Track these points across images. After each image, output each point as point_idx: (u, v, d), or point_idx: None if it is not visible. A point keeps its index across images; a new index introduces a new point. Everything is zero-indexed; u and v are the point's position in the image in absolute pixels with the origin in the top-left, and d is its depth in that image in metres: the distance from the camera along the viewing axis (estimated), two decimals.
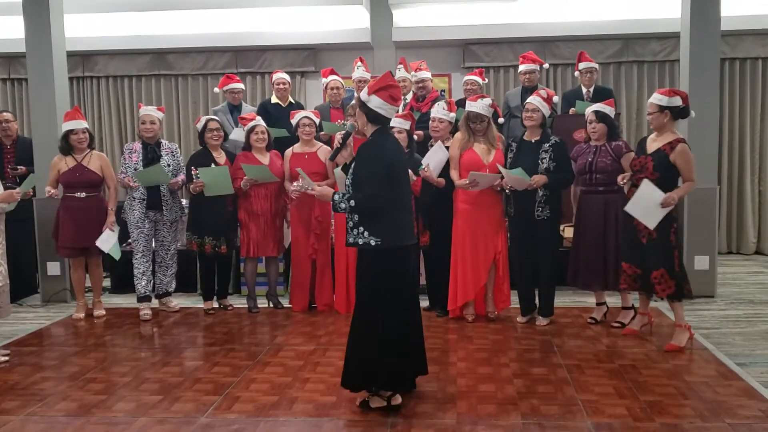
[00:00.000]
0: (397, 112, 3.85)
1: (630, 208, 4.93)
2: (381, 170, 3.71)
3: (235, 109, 7.08)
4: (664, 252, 4.89)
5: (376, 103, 3.80)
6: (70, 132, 5.88)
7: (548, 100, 5.39)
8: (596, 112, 5.37)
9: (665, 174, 4.88)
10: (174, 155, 6.05)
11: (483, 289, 5.62)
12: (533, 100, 5.38)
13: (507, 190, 5.43)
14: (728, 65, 8.45)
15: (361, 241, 3.75)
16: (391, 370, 3.80)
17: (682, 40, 6.60)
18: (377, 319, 3.79)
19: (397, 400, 3.85)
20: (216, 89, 7.29)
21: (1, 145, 7.19)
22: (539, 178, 5.23)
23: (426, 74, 6.86)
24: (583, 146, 5.51)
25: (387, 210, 3.75)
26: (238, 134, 6.47)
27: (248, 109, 7.07)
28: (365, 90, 3.89)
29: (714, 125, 6.54)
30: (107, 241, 5.84)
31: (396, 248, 3.78)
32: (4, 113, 7.25)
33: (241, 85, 7.16)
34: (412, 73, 6.93)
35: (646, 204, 4.85)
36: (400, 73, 6.93)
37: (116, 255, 5.93)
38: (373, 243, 3.74)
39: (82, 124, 5.93)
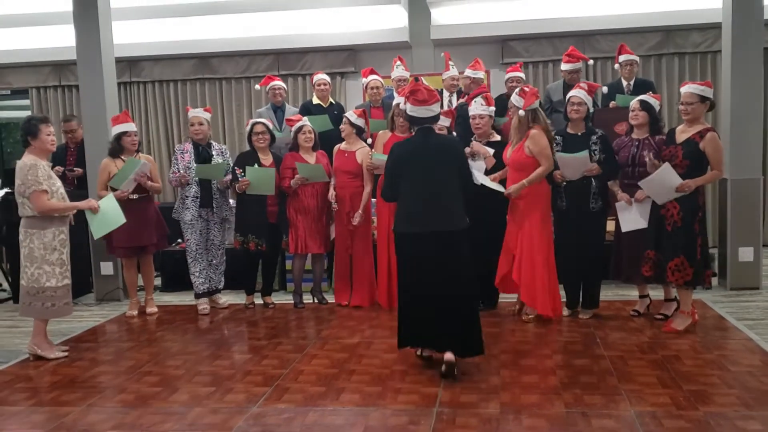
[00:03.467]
0: (430, 110, 4.42)
1: (644, 183, 5.07)
2: (388, 168, 4.51)
3: (278, 109, 7.21)
4: (687, 240, 4.96)
5: (408, 108, 4.49)
6: (123, 134, 6.07)
7: (590, 92, 5.40)
8: (641, 101, 5.40)
9: (694, 162, 4.96)
10: (224, 155, 6.25)
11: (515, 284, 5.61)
12: (578, 93, 5.41)
13: (561, 183, 5.42)
14: None
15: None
16: (407, 330, 4.48)
17: (723, 30, 6.55)
18: (401, 290, 4.55)
19: (427, 352, 4.54)
20: (257, 86, 7.41)
21: (65, 148, 7.50)
22: (596, 167, 5.28)
23: (475, 73, 6.94)
24: (625, 139, 5.52)
25: (398, 201, 4.48)
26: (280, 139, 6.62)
27: (291, 110, 7.20)
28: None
29: (758, 116, 6.49)
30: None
31: (400, 233, 4.42)
32: (71, 122, 7.54)
33: (282, 84, 7.27)
34: (468, 71, 7.01)
35: (662, 185, 4.97)
36: (451, 71, 6.97)
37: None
38: (393, 227, 4.51)
39: (134, 126, 6.15)
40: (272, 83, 7.18)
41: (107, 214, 5.28)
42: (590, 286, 5.59)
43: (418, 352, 4.65)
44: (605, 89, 6.73)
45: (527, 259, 5.40)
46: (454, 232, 4.30)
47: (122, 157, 6.10)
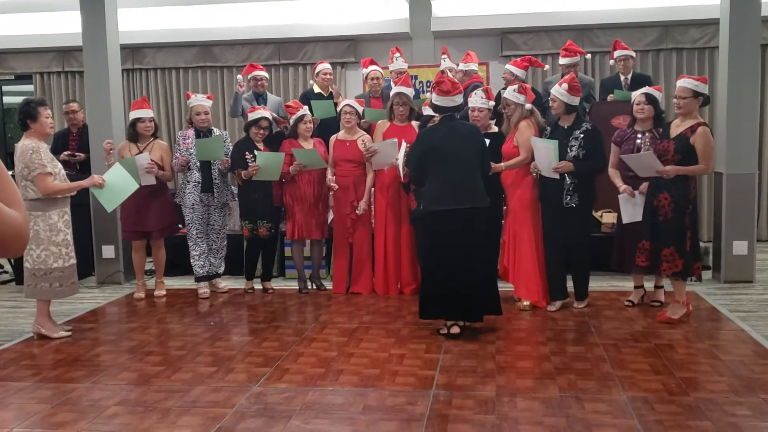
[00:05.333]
0: (453, 100, 4.94)
1: (627, 158, 5.30)
2: (415, 152, 4.98)
3: (259, 97, 7.20)
4: (677, 231, 5.04)
5: (433, 98, 4.99)
6: (137, 120, 6.13)
7: (572, 89, 5.34)
8: (647, 95, 5.46)
9: (685, 157, 5.01)
10: (225, 142, 6.30)
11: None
12: (553, 90, 5.47)
13: (534, 174, 5.49)
14: None
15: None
16: (432, 303, 4.90)
17: (721, 26, 6.62)
18: (424, 264, 5.07)
19: (455, 330, 4.87)
20: (239, 76, 7.43)
21: (67, 133, 7.56)
22: (565, 165, 5.28)
23: (472, 66, 6.98)
24: (627, 131, 5.58)
25: (426, 182, 4.90)
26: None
27: (273, 99, 7.26)
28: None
29: (754, 111, 6.59)
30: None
31: (428, 211, 4.84)
32: (72, 104, 7.60)
33: (264, 73, 7.27)
34: (460, 65, 7.06)
35: (644, 165, 5.13)
36: (445, 63, 6.99)
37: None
38: (422, 206, 4.93)
39: (149, 113, 6.19)
40: (254, 72, 7.18)
41: (116, 186, 5.38)
42: (577, 278, 5.63)
43: (443, 331, 4.91)
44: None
45: (512, 246, 5.62)
46: (480, 208, 4.89)
47: (138, 143, 6.16)
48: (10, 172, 5.85)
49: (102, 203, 5.49)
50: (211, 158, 6.14)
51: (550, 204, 5.49)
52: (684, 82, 5.08)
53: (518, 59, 6.88)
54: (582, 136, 5.35)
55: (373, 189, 6.27)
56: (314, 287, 6.48)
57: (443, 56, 7.13)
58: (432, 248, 4.89)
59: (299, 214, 6.20)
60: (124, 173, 5.50)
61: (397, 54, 7.16)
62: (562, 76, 7.14)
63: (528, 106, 5.53)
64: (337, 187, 6.11)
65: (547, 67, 7.56)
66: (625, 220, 5.50)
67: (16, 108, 10.34)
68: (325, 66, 7.31)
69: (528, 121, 5.54)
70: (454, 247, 4.81)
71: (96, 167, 6.70)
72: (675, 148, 5.03)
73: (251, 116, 6.24)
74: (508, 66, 6.78)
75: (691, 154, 5.02)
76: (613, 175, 5.58)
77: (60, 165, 5.13)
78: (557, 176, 5.32)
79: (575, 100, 5.38)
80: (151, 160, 6.00)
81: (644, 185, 5.34)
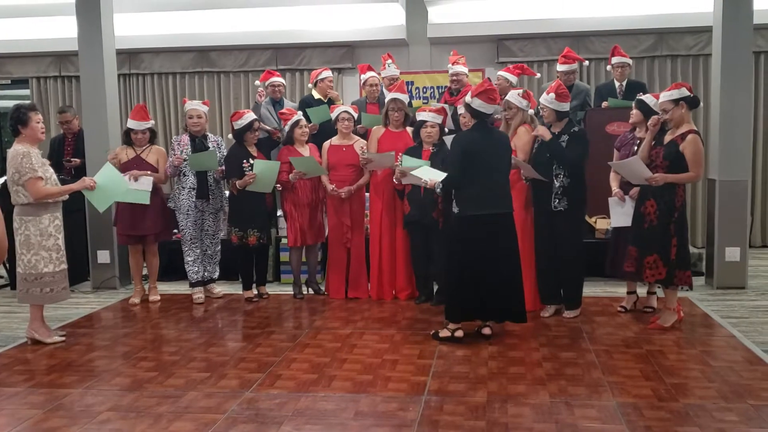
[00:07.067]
0: (495, 108, 4.94)
1: (615, 165, 5.42)
2: (456, 158, 4.84)
3: (276, 103, 7.29)
4: (662, 239, 5.04)
5: (477, 103, 4.84)
6: (130, 130, 6.17)
7: (559, 96, 5.34)
8: (637, 101, 5.53)
9: (673, 163, 5.01)
10: (219, 148, 6.34)
11: None
12: (542, 99, 5.49)
13: (524, 180, 5.53)
14: (763, 58, 8.45)
15: (454, 210, 4.92)
16: (455, 307, 4.94)
17: (714, 33, 6.65)
18: (452, 268, 4.94)
19: (459, 334, 4.92)
20: (257, 82, 7.47)
21: (63, 138, 7.58)
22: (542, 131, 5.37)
23: (461, 68, 6.98)
24: (628, 136, 5.64)
25: (464, 186, 4.83)
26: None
27: (289, 105, 7.30)
28: (469, 94, 4.95)
29: (747, 118, 6.62)
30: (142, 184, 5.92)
31: (468, 216, 4.81)
32: (65, 114, 7.61)
33: (281, 80, 7.36)
34: (449, 66, 7.06)
35: (632, 171, 5.18)
36: (454, 68, 6.95)
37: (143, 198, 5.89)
38: (456, 211, 4.89)
39: (143, 125, 6.16)
40: (272, 79, 7.27)
41: (106, 187, 5.38)
42: (568, 285, 5.58)
43: (444, 334, 4.95)
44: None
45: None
46: (512, 213, 4.99)
47: (134, 146, 6.19)
48: (4, 178, 5.90)
49: (93, 204, 5.52)
50: (204, 169, 6.16)
51: (540, 208, 5.51)
52: (661, 97, 5.12)
53: (510, 66, 6.89)
54: (567, 138, 5.38)
55: (368, 194, 6.29)
56: (311, 291, 6.50)
57: (461, 59, 7.08)
58: (466, 252, 4.84)
59: (301, 220, 6.21)
60: (114, 172, 5.51)
61: (389, 60, 7.19)
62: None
63: (530, 111, 5.58)
64: (337, 191, 6.13)
65: (538, 75, 7.57)
66: (613, 224, 5.54)
67: None
68: (327, 73, 7.36)
69: (527, 126, 5.57)
70: (489, 251, 4.82)
71: (91, 172, 6.68)
72: (664, 154, 5.05)
73: (241, 122, 6.13)
74: (500, 73, 6.79)
75: (680, 162, 5.02)
76: (612, 178, 5.64)
77: (51, 170, 5.14)
78: (547, 178, 5.35)
79: (564, 107, 5.39)
80: (130, 176, 5.95)
81: (635, 190, 5.37)
